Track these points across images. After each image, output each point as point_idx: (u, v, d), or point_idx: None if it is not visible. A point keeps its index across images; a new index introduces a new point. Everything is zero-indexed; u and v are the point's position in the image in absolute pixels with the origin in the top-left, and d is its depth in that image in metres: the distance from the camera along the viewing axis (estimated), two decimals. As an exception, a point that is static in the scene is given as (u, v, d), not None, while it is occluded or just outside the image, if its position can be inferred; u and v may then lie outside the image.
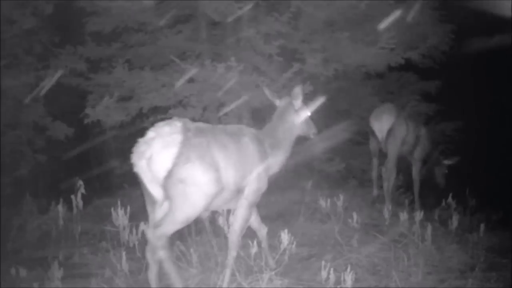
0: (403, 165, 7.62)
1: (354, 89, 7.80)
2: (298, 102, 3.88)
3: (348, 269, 3.43)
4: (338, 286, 3.41)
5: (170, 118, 6.47)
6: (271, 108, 6.76)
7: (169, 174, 3.05)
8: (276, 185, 6.37)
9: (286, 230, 3.95)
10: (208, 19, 6.59)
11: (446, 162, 6.61)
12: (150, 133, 3.18)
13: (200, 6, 6.30)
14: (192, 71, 5.99)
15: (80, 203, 4.40)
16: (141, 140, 3.18)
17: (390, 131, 5.59)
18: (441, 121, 8.33)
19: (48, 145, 6.92)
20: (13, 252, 4.38)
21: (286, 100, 3.95)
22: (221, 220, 3.98)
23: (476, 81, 8.75)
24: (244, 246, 3.87)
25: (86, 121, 6.44)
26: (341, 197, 4.92)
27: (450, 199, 5.15)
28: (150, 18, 6.31)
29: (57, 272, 3.47)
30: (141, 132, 3.28)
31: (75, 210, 4.39)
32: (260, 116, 7.29)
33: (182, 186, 3.05)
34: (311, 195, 5.40)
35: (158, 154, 3.07)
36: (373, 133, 5.75)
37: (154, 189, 3.15)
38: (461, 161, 6.58)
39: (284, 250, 3.91)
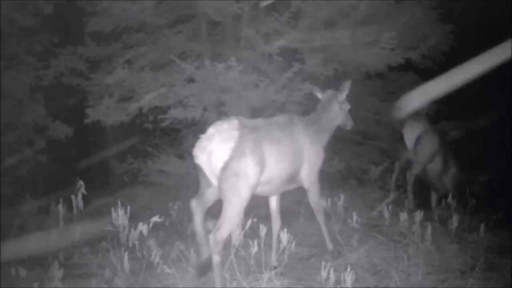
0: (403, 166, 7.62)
1: (354, 89, 7.78)
2: (343, 95, 4.46)
3: (348, 269, 3.43)
4: (338, 286, 3.41)
5: (169, 118, 6.54)
6: (271, 108, 6.79)
7: (225, 166, 3.36)
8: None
9: (285, 230, 3.95)
10: (208, 19, 6.59)
11: (481, 178, 6.52)
12: (211, 130, 3.52)
13: (200, 6, 6.30)
14: (192, 71, 6.00)
15: (80, 203, 4.40)
16: (202, 136, 3.52)
17: (419, 140, 5.85)
18: (441, 121, 8.33)
19: (48, 145, 6.93)
20: (13, 252, 4.38)
21: (330, 93, 4.48)
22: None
23: (476, 81, 8.74)
24: (244, 246, 3.87)
25: (86, 121, 6.44)
26: (341, 197, 4.92)
27: (450, 199, 5.15)
28: (150, 18, 6.31)
29: (57, 272, 3.47)
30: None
31: (75, 210, 4.40)
32: (260, 116, 7.30)
33: (235, 179, 3.36)
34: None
35: (217, 148, 3.41)
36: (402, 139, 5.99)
37: (214, 180, 3.50)
38: (461, 161, 6.56)
39: (284, 250, 3.91)
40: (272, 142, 3.59)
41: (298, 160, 3.84)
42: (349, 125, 4.59)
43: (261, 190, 3.66)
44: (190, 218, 4.59)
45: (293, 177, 3.85)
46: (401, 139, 6.04)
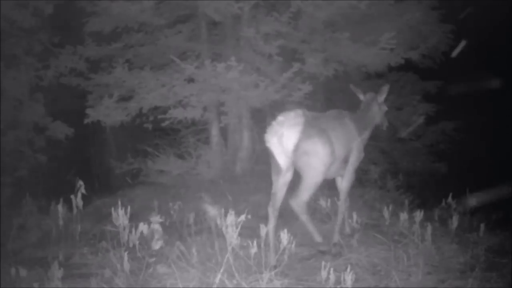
0: (403, 165, 7.65)
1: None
2: (382, 97, 4.80)
3: (348, 269, 3.43)
4: (338, 286, 3.40)
5: (169, 118, 6.54)
6: (271, 108, 6.80)
7: (296, 148, 3.87)
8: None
9: (285, 230, 3.94)
10: (208, 19, 6.60)
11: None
12: (280, 117, 4.00)
13: (200, 6, 6.30)
14: (192, 71, 6.00)
15: (80, 203, 4.40)
16: (273, 122, 3.97)
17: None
18: (441, 121, 8.34)
19: (48, 145, 6.93)
20: (13, 252, 4.37)
21: (371, 95, 4.84)
22: (218, 221, 3.97)
23: (476, 80, 8.75)
24: (244, 246, 3.87)
25: (86, 121, 6.45)
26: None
27: (450, 199, 5.14)
28: (150, 18, 6.31)
29: (57, 272, 3.46)
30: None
31: (75, 210, 4.39)
32: (260, 116, 7.31)
33: (306, 157, 3.90)
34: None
35: (287, 132, 3.88)
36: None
37: (281, 160, 3.91)
38: (461, 161, 6.56)
39: (284, 250, 3.91)
40: (332, 129, 4.11)
41: (349, 148, 4.29)
42: (385, 125, 4.99)
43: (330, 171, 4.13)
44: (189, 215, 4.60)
45: (344, 163, 4.31)
46: None
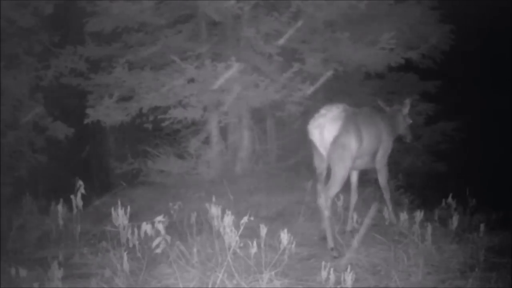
0: (403, 165, 7.63)
1: (354, 89, 7.80)
2: (406, 109, 5.14)
3: (348, 269, 3.43)
4: (338, 286, 3.40)
5: (169, 118, 6.54)
6: (271, 108, 6.80)
7: (334, 140, 4.18)
8: (276, 185, 6.39)
9: (285, 230, 3.94)
10: (208, 19, 6.60)
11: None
12: (322, 111, 4.31)
13: (200, 6, 6.30)
14: (192, 71, 6.00)
15: (80, 203, 4.39)
16: (316, 115, 4.30)
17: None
18: (441, 121, 8.33)
19: (48, 145, 6.93)
20: (13, 252, 4.37)
21: (396, 107, 5.17)
22: (216, 222, 3.97)
23: (476, 80, 8.76)
24: (244, 246, 3.87)
25: (86, 121, 6.45)
26: (341, 197, 4.91)
27: (450, 199, 5.14)
28: (150, 18, 6.31)
29: (57, 272, 3.46)
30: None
31: (75, 210, 4.38)
32: (260, 116, 7.31)
33: (341, 150, 4.18)
34: (311, 195, 5.39)
35: (329, 125, 4.20)
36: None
37: (322, 149, 4.26)
38: (461, 161, 6.55)
39: (284, 250, 3.91)
40: (366, 125, 4.45)
41: (378, 143, 4.66)
42: (409, 138, 5.27)
43: (355, 163, 4.44)
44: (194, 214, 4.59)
45: (373, 156, 4.68)
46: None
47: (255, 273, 3.66)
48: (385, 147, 4.79)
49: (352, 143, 4.22)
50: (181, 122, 6.76)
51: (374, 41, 6.26)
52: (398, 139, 5.24)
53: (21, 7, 6.41)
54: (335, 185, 4.21)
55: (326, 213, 4.23)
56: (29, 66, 6.74)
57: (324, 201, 4.23)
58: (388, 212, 4.91)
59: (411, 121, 5.21)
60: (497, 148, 7.94)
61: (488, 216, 5.31)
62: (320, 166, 4.36)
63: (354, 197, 4.86)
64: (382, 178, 4.92)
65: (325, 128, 4.19)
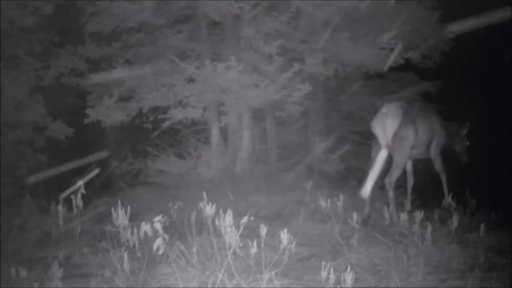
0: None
1: (354, 89, 7.81)
2: (464, 131, 5.93)
3: (348, 269, 3.43)
4: (338, 286, 3.40)
5: (169, 118, 6.53)
6: (271, 108, 6.80)
7: (395, 133, 4.99)
8: (276, 185, 6.40)
9: (285, 230, 3.94)
10: (208, 19, 6.60)
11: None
12: (383, 109, 5.16)
13: (200, 6, 6.30)
14: (192, 71, 6.00)
15: (80, 203, 4.38)
16: (378, 113, 5.14)
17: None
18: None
19: (48, 145, 6.92)
20: (13, 252, 4.37)
21: (456, 125, 5.92)
22: (216, 222, 3.97)
23: (476, 80, 8.75)
24: (244, 246, 3.87)
25: (86, 121, 6.45)
26: (341, 197, 4.91)
27: (450, 199, 5.14)
28: (150, 18, 6.31)
29: (57, 272, 3.46)
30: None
31: (75, 210, 4.38)
32: (260, 116, 7.31)
33: (401, 141, 5.00)
34: (311, 195, 5.39)
35: (390, 121, 5.02)
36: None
37: (383, 142, 5.05)
38: (461, 161, 6.54)
39: (284, 250, 3.90)
40: (421, 119, 5.21)
41: (431, 135, 5.42)
42: (464, 158, 6.02)
43: (412, 152, 5.21)
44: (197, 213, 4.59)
45: (428, 147, 5.45)
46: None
47: (255, 273, 3.66)
48: (438, 138, 5.54)
49: (409, 135, 5.02)
50: (181, 122, 6.76)
51: (374, 41, 6.26)
52: (453, 155, 5.99)
53: (21, 7, 6.40)
54: (397, 171, 5.11)
55: (391, 194, 5.12)
56: (29, 66, 6.73)
57: (388, 184, 5.12)
58: (445, 195, 5.50)
59: (468, 143, 5.92)
60: (497, 148, 7.93)
61: (488, 216, 5.31)
62: (375, 157, 5.10)
63: (410, 181, 5.77)
64: (438, 165, 5.64)
65: (387, 124, 5.01)
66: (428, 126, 5.33)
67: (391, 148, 5.02)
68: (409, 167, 5.72)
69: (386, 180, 5.12)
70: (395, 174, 5.09)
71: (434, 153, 5.55)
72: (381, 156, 5.06)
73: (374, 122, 5.13)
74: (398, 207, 5.20)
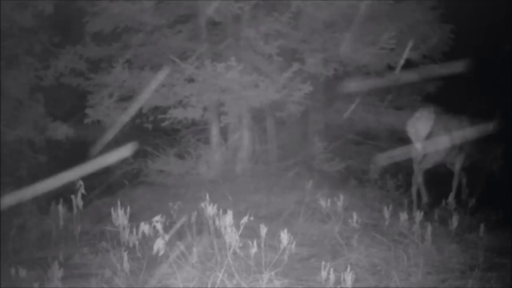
0: (403, 164, 7.62)
1: (354, 89, 7.80)
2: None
3: (348, 269, 3.43)
4: (338, 286, 3.40)
5: (169, 118, 6.53)
6: (271, 108, 6.79)
7: (428, 135, 5.69)
8: (276, 185, 6.40)
9: (285, 230, 3.94)
10: (208, 19, 6.60)
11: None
12: (417, 114, 5.88)
13: (200, 6, 6.30)
14: (192, 71, 6.00)
15: (80, 203, 4.38)
16: (412, 118, 5.85)
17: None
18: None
19: (48, 145, 6.92)
20: (13, 252, 4.37)
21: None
22: (217, 221, 3.97)
23: (476, 80, 8.74)
24: (244, 246, 3.87)
25: (86, 121, 6.44)
26: (341, 197, 4.91)
27: (450, 199, 5.14)
28: (150, 18, 6.31)
29: (57, 272, 3.46)
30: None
31: (75, 210, 4.38)
32: (260, 116, 7.31)
33: (434, 142, 5.72)
34: (311, 195, 5.40)
35: (424, 124, 5.74)
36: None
37: (417, 145, 5.79)
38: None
39: (284, 250, 3.90)
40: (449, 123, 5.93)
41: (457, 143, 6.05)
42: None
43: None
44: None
45: (452, 153, 6.08)
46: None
47: (255, 273, 3.67)
48: (463, 146, 6.11)
49: (440, 139, 5.75)
50: (181, 122, 6.76)
51: (374, 41, 6.26)
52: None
53: (21, 7, 6.40)
54: (426, 164, 5.90)
55: (420, 179, 5.92)
56: (29, 66, 6.73)
57: (418, 171, 5.90)
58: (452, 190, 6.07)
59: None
60: (497, 148, 7.92)
61: (488, 216, 5.32)
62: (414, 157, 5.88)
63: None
64: (457, 168, 6.26)
65: (420, 128, 5.72)
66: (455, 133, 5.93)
67: (423, 148, 5.76)
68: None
69: (415, 166, 5.90)
70: (424, 165, 5.87)
71: (457, 158, 6.16)
72: (417, 155, 5.83)
73: (408, 126, 5.88)
74: (398, 207, 5.20)
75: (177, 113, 6.46)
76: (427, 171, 6.57)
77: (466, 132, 6.03)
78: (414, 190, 5.95)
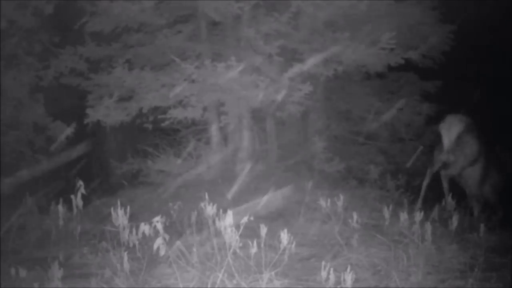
0: (403, 165, 7.63)
1: (354, 89, 7.80)
2: None
3: (348, 269, 3.43)
4: (338, 286, 3.40)
5: (169, 118, 6.54)
6: (271, 108, 6.79)
7: (455, 140, 5.90)
8: (276, 185, 6.40)
9: (285, 230, 3.94)
10: (208, 19, 6.59)
11: None
12: (448, 118, 6.10)
13: (200, 6, 6.30)
14: (192, 71, 6.00)
15: (80, 203, 4.39)
16: (443, 123, 6.07)
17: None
18: (441, 121, 8.32)
19: (48, 145, 6.93)
20: (13, 252, 4.38)
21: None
22: (216, 222, 3.97)
23: (476, 80, 8.75)
24: (244, 246, 3.87)
25: (86, 121, 6.44)
26: (341, 197, 4.91)
27: (450, 199, 5.14)
28: (150, 18, 6.31)
29: (57, 272, 3.45)
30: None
31: (75, 210, 4.38)
32: (260, 116, 7.31)
33: (462, 147, 5.91)
34: (311, 195, 5.40)
35: (454, 128, 5.93)
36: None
37: (446, 147, 5.96)
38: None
39: (284, 250, 3.90)
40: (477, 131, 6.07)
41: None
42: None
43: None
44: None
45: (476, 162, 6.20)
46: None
47: (255, 273, 3.67)
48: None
49: (469, 144, 5.92)
50: (181, 122, 6.75)
51: (374, 41, 6.25)
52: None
53: (21, 7, 6.41)
54: (453, 170, 6.05)
55: (446, 185, 6.05)
56: (29, 66, 6.73)
57: (444, 178, 6.05)
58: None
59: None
60: (497, 148, 7.93)
61: (488, 216, 5.32)
62: (438, 160, 6.04)
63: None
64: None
65: (451, 131, 5.93)
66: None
67: (453, 151, 5.92)
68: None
69: (442, 173, 6.05)
70: (451, 171, 6.02)
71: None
72: (443, 159, 6.00)
73: (440, 129, 6.09)
74: (397, 207, 5.20)
75: (177, 113, 6.45)
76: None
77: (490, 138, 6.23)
78: (422, 192, 5.99)
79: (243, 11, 6.19)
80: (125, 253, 3.64)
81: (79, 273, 3.89)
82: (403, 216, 4.62)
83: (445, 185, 5.98)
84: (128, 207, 4.00)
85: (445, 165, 6.02)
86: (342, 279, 3.38)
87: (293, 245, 3.96)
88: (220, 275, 3.52)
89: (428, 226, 4.23)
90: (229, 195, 5.37)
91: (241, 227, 3.71)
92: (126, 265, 3.61)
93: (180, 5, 6.47)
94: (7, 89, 6.52)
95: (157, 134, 7.45)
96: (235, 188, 6.05)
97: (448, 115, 6.13)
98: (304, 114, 7.16)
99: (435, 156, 6.11)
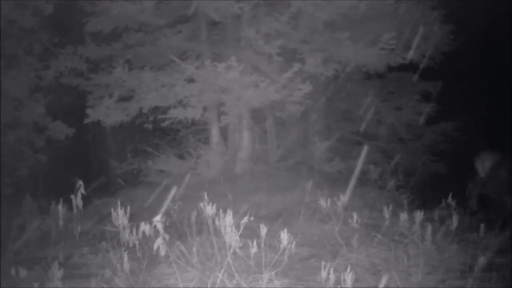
0: (403, 165, 7.65)
1: (354, 89, 7.81)
2: None
3: (348, 269, 3.43)
4: (338, 286, 3.40)
5: (169, 118, 6.54)
6: (271, 108, 6.80)
7: (488, 172, 6.16)
8: (276, 185, 6.40)
9: (285, 230, 3.94)
10: (208, 19, 6.60)
11: None
12: (482, 154, 6.26)
13: (200, 6, 6.30)
14: (192, 71, 6.00)
15: (80, 203, 4.38)
16: (478, 157, 6.26)
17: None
18: (441, 121, 8.33)
19: (48, 145, 6.93)
20: (13, 252, 4.37)
21: None
22: (217, 222, 3.97)
23: (476, 80, 8.75)
24: (244, 246, 3.87)
25: (86, 121, 6.45)
26: (341, 197, 4.91)
27: (450, 199, 5.14)
28: (150, 18, 6.31)
29: (57, 272, 3.45)
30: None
31: (75, 210, 4.38)
32: (260, 116, 7.31)
33: (495, 180, 6.10)
34: (311, 195, 5.39)
35: (487, 163, 6.22)
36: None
37: (483, 176, 6.23)
38: (461, 161, 6.57)
39: (284, 250, 3.90)
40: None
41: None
42: None
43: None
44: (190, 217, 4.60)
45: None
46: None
47: (255, 273, 3.66)
48: None
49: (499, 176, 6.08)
50: (181, 122, 6.76)
51: (374, 41, 6.26)
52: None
53: (21, 7, 6.41)
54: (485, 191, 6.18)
55: (474, 200, 6.21)
56: (29, 66, 6.74)
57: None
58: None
59: None
60: (496, 148, 7.93)
61: (488, 216, 5.32)
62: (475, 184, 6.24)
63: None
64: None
65: (485, 164, 6.21)
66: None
67: (487, 181, 6.18)
68: None
69: (473, 191, 6.23)
70: (481, 190, 6.19)
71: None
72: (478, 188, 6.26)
73: (476, 163, 6.35)
74: (397, 207, 5.20)
75: (177, 113, 6.46)
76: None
77: None
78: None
79: (243, 11, 6.19)
80: (125, 253, 3.64)
81: (79, 273, 3.88)
82: (403, 216, 4.62)
83: (473, 200, 6.21)
84: (128, 207, 4.00)
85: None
86: (342, 279, 3.38)
87: (293, 245, 3.96)
88: (220, 275, 3.51)
89: (428, 226, 4.23)
90: (229, 195, 5.36)
91: (241, 227, 3.71)
92: (126, 265, 3.61)
93: (180, 5, 6.47)
94: (7, 89, 6.52)
95: (157, 134, 7.46)
96: (235, 188, 6.05)
97: (482, 151, 6.42)
98: (304, 114, 7.16)
99: (470, 188, 6.33)
